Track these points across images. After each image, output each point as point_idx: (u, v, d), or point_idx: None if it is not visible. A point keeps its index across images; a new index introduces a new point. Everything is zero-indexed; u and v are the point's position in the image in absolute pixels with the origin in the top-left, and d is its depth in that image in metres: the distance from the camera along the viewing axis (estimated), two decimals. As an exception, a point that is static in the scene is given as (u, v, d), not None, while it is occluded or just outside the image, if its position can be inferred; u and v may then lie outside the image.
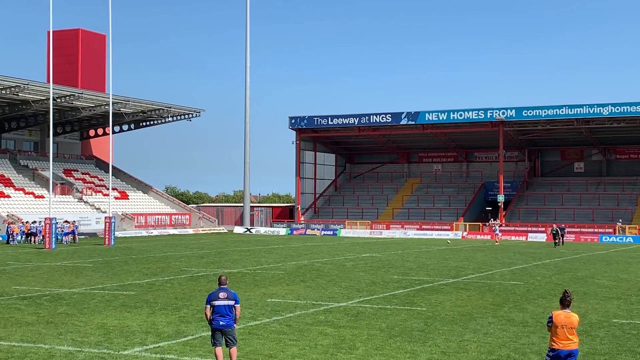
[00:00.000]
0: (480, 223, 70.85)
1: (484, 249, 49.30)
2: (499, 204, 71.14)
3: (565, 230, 57.68)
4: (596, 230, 65.31)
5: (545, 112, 68.90)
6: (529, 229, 67.02)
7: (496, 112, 70.20)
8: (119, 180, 79.14)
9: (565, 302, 10.75)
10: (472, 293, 23.37)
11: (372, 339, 15.41)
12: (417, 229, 70.65)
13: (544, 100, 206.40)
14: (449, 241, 59.00)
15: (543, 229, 65.10)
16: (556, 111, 68.44)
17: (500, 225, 65.84)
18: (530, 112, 69.55)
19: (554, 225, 54.88)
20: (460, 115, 72.10)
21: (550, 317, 10.65)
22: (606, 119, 67.78)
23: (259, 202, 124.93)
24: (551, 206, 74.07)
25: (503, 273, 30.68)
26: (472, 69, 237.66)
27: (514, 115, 69.95)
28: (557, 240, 52.19)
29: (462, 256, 41.15)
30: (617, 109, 65.88)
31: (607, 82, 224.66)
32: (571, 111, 67.80)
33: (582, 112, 67.37)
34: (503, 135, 71.55)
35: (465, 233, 67.81)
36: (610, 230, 64.81)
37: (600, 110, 66.51)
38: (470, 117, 71.74)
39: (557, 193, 76.33)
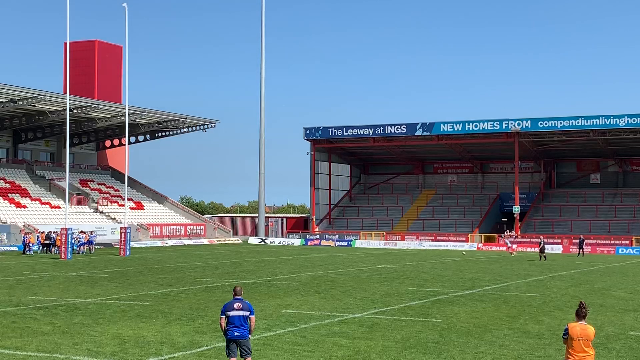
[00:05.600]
0: (495, 235, 70.56)
1: (499, 260, 49.07)
2: (515, 215, 70.86)
3: (584, 242, 57.08)
4: (612, 242, 64.89)
5: (560, 123, 68.66)
6: (545, 240, 66.53)
7: (511, 123, 69.99)
8: (134, 190, 79.51)
9: (581, 314, 10.69)
10: (487, 305, 23.27)
11: (387, 350, 15.37)
12: (432, 240, 70.46)
13: (560, 111, 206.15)
14: (464, 252, 58.78)
15: (559, 240, 64.80)
16: (572, 122, 68.21)
17: (516, 237, 65.58)
18: (545, 123, 69.30)
19: (541, 237, 54.42)
20: (476, 126, 71.93)
21: (566, 329, 10.59)
22: (622, 130, 67.43)
23: (273, 213, 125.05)
24: (567, 218, 73.65)
25: (519, 285, 30.53)
26: (487, 79, 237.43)
27: (529, 126, 69.70)
28: (543, 254, 49.52)
29: (478, 267, 40.98)
30: (634, 120, 65.50)
31: (623, 93, 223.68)
32: (587, 122, 67.54)
33: (598, 123, 67.09)
34: (518, 146, 71.32)
35: (480, 244, 67.57)
36: (627, 242, 64.37)
37: (616, 121, 66.21)
38: (486, 128, 71.56)
39: (573, 204, 75.92)
